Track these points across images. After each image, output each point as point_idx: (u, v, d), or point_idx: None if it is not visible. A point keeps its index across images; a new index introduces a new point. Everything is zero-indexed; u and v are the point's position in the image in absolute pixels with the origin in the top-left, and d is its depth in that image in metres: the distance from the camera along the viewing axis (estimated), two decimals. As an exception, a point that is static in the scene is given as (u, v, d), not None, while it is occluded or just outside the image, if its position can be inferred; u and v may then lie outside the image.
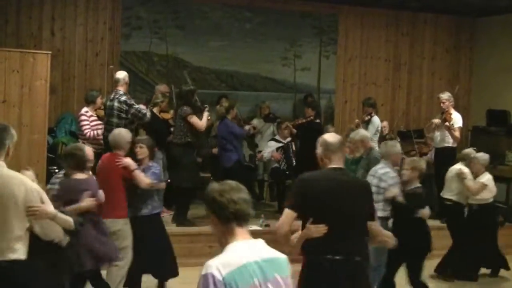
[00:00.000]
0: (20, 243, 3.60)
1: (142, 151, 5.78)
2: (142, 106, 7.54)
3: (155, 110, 8.11)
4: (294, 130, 8.93)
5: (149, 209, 5.78)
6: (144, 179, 5.60)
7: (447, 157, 8.19)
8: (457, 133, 8.28)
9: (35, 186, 3.73)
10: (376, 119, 8.63)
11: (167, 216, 8.05)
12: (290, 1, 10.42)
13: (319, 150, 3.93)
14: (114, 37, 9.64)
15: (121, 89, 7.34)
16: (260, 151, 9.33)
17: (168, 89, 8.80)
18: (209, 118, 8.03)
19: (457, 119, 8.36)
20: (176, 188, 7.92)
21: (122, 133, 5.83)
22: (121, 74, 7.49)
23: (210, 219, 2.60)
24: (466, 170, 7.15)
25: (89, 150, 5.26)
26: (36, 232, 3.72)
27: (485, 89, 11.13)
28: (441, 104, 8.44)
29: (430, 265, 7.06)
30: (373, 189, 5.43)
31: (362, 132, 6.92)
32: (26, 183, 3.65)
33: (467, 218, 7.27)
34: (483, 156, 7.33)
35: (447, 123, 8.25)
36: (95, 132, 7.52)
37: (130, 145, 5.81)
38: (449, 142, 8.32)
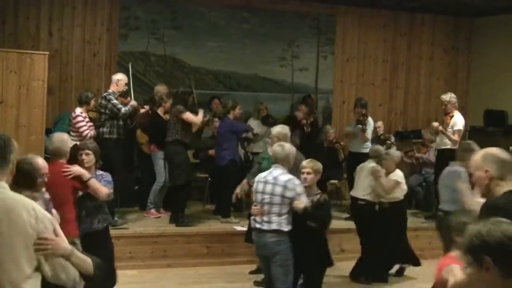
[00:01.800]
0: (29, 284, 2.75)
1: (89, 158, 5.00)
2: (125, 106, 7.62)
3: (160, 111, 8.17)
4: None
5: (101, 223, 5.14)
6: (103, 189, 4.90)
7: (446, 159, 8.14)
8: (454, 136, 8.18)
9: (46, 213, 2.88)
10: (370, 120, 8.73)
11: (164, 216, 8.05)
12: (287, 1, 10.41)
13: (491, 169, 3.14)
14: (112, 38, 9.62)
15: (111, 89, 7.68)
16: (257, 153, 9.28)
17: (168, 89, 8.80)
18: (205, 116, 8.06)
19: (457, 121, 8.28)
20: (171, 187, 7.91)
21: (65, 138, 5.07)
22: (116, 75, 7.88)
23: (473, 270, 1.93)
24: (379, 168, 6.87)
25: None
26: (44, 273, 2.78)
27: (483, 89, 11.12)
28: (443, 106, 8.40)
29: (346, 268, 6.98)
30: (276, 199, 5.04)
31: (278, 128, 6.43)
32: (36, 210, 2.79)
33: (378, 218, 6.87)
34: (396, 153, 7.20)
35: (440, 127, 8.23)
36: (92, 132, 7.46)
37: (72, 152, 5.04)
38: (448, 144, 8.26)
